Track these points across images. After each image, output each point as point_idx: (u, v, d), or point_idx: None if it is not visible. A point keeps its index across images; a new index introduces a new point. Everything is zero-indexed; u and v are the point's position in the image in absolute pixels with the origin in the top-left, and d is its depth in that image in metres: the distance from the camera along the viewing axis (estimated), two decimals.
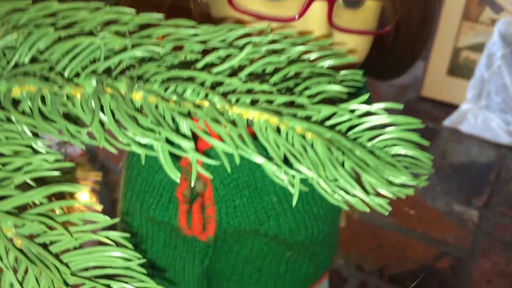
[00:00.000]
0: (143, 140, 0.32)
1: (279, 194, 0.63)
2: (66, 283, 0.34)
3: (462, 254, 1.64)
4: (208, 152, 0.58)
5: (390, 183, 0.35)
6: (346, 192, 0.34)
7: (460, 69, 2.46)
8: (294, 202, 0.34)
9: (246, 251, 0.69)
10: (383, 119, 0.35)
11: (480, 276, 1.57)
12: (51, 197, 0.35)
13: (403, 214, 1.80)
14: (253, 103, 0.33)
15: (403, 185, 0.36)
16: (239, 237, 0.68)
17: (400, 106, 0.36)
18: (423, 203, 1.86)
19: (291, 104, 0.34)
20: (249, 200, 0.62)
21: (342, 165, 0.34)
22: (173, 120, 0.33)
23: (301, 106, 0.34)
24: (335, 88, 0.35)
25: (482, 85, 2.31)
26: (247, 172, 0.60)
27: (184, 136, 0.32)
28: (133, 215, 0.62)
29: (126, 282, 0.36)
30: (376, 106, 0.35)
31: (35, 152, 0.34)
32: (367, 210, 0.37)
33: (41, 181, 0.35)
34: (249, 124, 0.33)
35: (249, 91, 0.34)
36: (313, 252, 0.72)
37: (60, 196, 0.61)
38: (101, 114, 0.32)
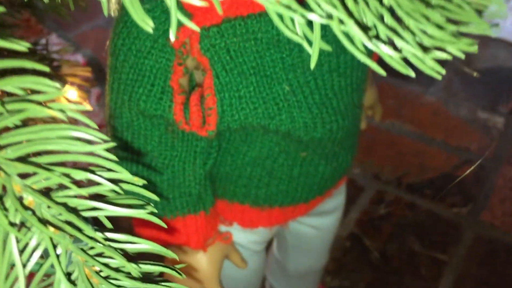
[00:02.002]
0: None
1: (292, 82, 0.53)
2: (5, 172, 0.25)
3: (485, 162, 1.56)
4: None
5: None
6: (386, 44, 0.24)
7: None
8: (312, 64, 0.24)
9: (255, 152, 0.61)
10: None
11: (504, 183, 1.49)
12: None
13: (424, 121, 1.71)
14: None
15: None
16: (246, 136, 0.59)
17: None
18: (445, 110, 1.76)
19: None
20: (256, 89, 0.52)
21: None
22: None
23: None
24: None
25: None
26: (254, 56, 0.51)
27: None
28: (121, 110, 0.54)
29: (91, 171, 0.28)
30: None
31: None
32: (412, 74, 0.27)
33: None
34: None
35: None
36: (331, 152, 0.63)
37: None
38: None
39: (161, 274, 0.34)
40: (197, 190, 0.59)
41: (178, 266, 0.33)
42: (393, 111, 1.74)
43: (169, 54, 0.49)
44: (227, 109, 0.52)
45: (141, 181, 0.28)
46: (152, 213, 0.29)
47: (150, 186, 0.57)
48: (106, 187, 0.27)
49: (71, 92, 0.70)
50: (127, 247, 0.30)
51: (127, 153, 0.56)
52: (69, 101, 0.69)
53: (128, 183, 0.29)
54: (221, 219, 0.68)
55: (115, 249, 0.29)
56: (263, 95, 0.53)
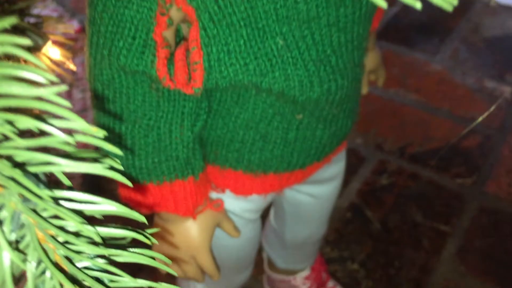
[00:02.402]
0: None
1: (287, 36, 0.49)
2: None
3: (492, 132, 1.52)
4: None
5: None
6: None
7: None
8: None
9: (247, 114, 0.57)
10: None
11: (510, 154, 1.45)
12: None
13: (429, 90, 1.66)
14: None
15: None
16: (238, 97, 0.55)
17: None
18: (451, 79, 1.71)
19: None
20: (247, 43, 0.48)
21: None
22: None
23: None
24: None
25: None
26: (244, 6, 0.46)
27: None
28: (101, 66, 0.50)
29: (41, 119, 0.24)
30: None
31: None
32: (418, 6, 0.23)
33: None
34: None
35: None
36: (329, 115, 0.59)
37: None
38: None
39: (135, 240, 0.30)
40: (185, 154, 0.55)
41: (149, 231, 0.29)
42: (397, 80, 1.69)
43: (151, 2, 0.45)
44: (214, 65, 0.48)
45: (102, 132, 0.24)
46: (114, 169, 0.25)
47: (135, 148, 0.53)
48: (58, 139, 0.24)
49: (53, 50, 0.65)
50: (88, 208, 0.26)
51: (108, 113, 0.52)
52: (51, 60, 0.65)
53: (87, 134, 0.25)
54: (212, 186, 0.64)
55: (72, 210, 0.25)
56: (255, 50, 0.48)
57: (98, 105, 0.52)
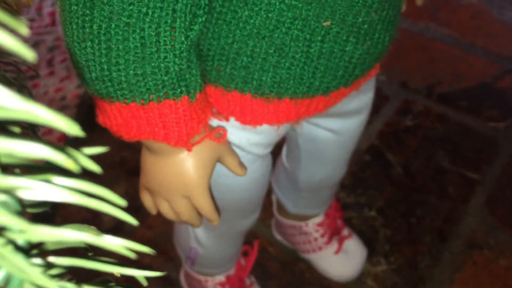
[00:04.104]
0: None
1: None
2: None
3: None
4: None
5: None
6: None
7: None
8: None
9: (259, 18, 0.44)
10: None
11: None
12: None
13: (463, 25, 1.49)
14: None
15: None
16: None
17: None
18: (486, 13, 1.54)
19: None
20: None
21: None
22: None
23: None
24: None
25: None
26: None
27: None
28: None
29: None
30: None
31: None
32: None
33: None
34: None
35: None
36: (365, 25, 0.46)
37: None
38: None
39: None
40: (177, 66, 0.42)
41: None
42: (428, 12, 1.53)
43: None
44: None
45: None
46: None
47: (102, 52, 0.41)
48: None
49: None
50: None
51: (78, 6, 0.39)
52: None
53: None
54: (213, 112, 0.52)
55: None
56: None
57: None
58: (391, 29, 0.51)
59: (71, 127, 0.15)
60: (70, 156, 0.16)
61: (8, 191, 0.17)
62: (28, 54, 0.13)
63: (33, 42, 1.26)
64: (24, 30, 0.14)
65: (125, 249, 0.19)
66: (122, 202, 0.19)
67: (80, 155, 0.17)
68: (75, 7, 0.40)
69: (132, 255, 0.20)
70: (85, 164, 0.18)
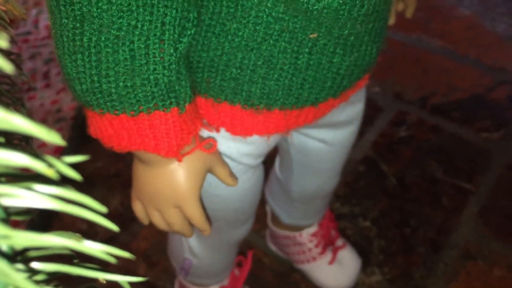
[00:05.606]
0: None
1: None
2: None
3: None
4: None
5: None
6: None
7: None
8: None
9: (248, 31, 0.45)
10: None
11: None
12: None
13: (456, 36, 1.51)
14: None
15: None
16: (236, 7, 0.43)
17: None
18: (479, 24, 1.56)
19: None
20: None
21: None
22: None
23: None
24: None
25: None
26: None
27: None
28: None
29: None
30: None
31: None
32: None
33: None
34: None
35: None
36: (351, 36, 0.47)
37: None
38: None
39: None
40: (167, 77, 0.43)
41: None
42: (421, 24, 1.55)
43: None
44: None
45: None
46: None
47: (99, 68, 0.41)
48: None
49: None
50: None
51: (68, 19, 0.40)
52: None
53: None
54: (204, 123, 0.53)
55: None
56: None
57: (54, 7, 0.40)
58: (378, 40, 0.52)
59: (50, 136, 0.16)
60: (49, 164, 0.17)
61: None
62: (5, 66, 0.14)
63: (29, 55, 1.27)
64: (3, 42, 0.15)
65: (105, 254, 0.19)
66: (102, 209, 0.19)
67: (61, 164, 0.18)
68: (66, 20, 0.40)
69: (113, 260, 0.20)
70: (65, 172, 0.18)
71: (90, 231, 1.02)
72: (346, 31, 0.46)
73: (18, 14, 0.52)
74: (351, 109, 0.66)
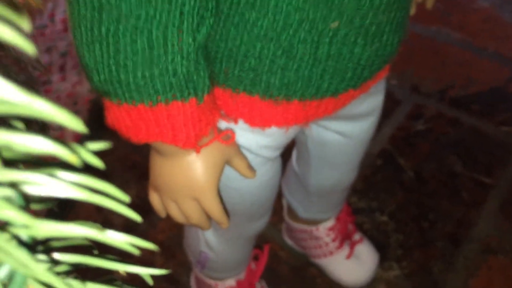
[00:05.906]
0: None
1: None
2: None
3: None
4: None
5: None
6: None
7: None
8: None
9: (267, 20, 0.44)
10: None
11: None
12: None
13: (475, 28, 1.48)
14: None
15: None
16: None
17: None
18: (498, 17, 1.53)
19: None
20: None
21: None
22: None
23: None
24: None
25: None
26: None
27: None
28: None
29: None
30: None
31: None
32: None
33: None
34: None
35: None
36: (373, 26, 0.46)
37: None
38: None
39: None
40: (185, 67, 0.42)
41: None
42: (439, 16, 1.52)
43: None
44: None
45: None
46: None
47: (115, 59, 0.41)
48: None
49: None
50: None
51: (86, 9, 0.40)
52: None
53: None
54: (222, 114, 0.52)
55: None
56: None
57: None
58: (400, 30, 0.51)
59: (73, 122, 0.16)
60: (72, 150, 0.16)
61: (11, 185, 0.17)
62: (27, 47, 0.13)
63: (45, 48, 1.27)
64: (26, 24, 0.14)
65: (128, 245, 0.19)
66: (126, 198, 0.19)
67: (83, 150, 0.17)
68: (84, 10, 0.40)
69: (136, 252, 0.20)
70: (88, 159, 0.18)
71: (105, 223, 1.03)
72: (368, 21, 0.45)
73: (35, 5, 0.52)
74: (371, 101, 0.65)
